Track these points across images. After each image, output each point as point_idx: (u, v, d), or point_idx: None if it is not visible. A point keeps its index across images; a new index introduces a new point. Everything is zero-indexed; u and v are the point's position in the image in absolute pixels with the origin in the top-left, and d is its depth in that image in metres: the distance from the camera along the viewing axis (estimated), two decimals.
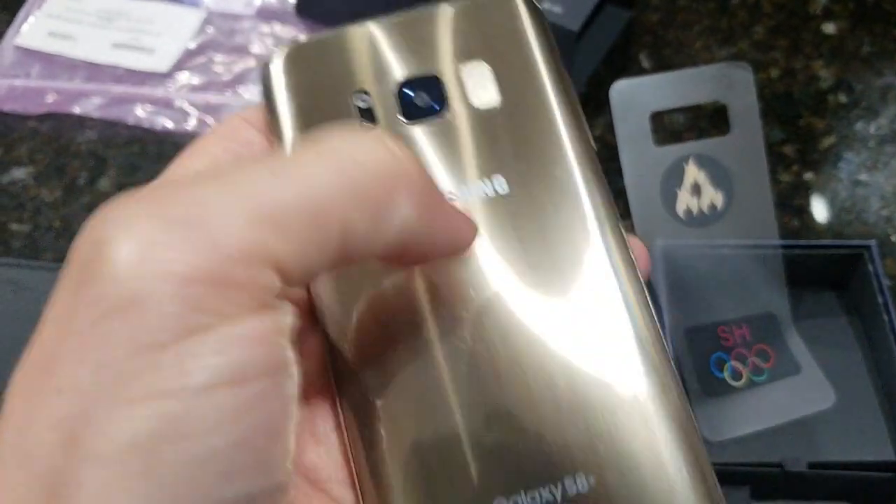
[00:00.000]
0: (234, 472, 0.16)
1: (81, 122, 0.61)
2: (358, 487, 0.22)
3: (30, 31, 0.66)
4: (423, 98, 0.25)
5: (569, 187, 0.24)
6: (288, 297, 0.18)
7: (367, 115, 0.24)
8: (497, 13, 0.25)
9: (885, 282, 0.46)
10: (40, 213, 0.56)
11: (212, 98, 0.62)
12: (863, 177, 0.56)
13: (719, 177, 0.47)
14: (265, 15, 0.66)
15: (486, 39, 0.25)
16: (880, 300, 0.46)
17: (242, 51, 0.65)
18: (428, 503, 0.21)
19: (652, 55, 0.63)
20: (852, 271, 0.49)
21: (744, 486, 0.42)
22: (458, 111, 0.25)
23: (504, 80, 0.25)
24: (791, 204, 0.55)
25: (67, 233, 0.55)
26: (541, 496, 0.21)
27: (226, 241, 0.16)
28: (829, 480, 0.42)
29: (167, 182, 0.21)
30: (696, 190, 0.47)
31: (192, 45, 0.64)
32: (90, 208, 0.56)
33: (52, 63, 0.64)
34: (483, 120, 0.24)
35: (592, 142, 0.25)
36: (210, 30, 0.66)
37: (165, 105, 0.61)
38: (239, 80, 0.63)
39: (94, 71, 0.63)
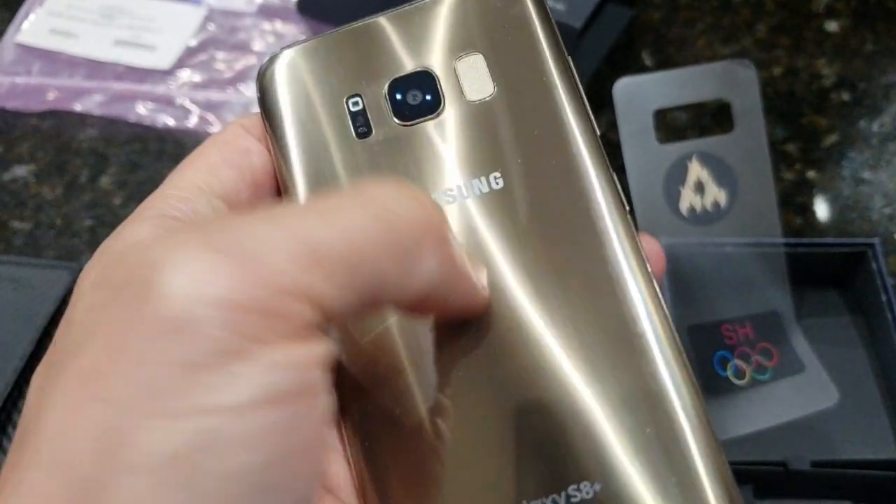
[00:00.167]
0: (268, 487, 0.17)
1: (82, 119, 0.61)
2: (361, 498, 0.22)
3: (31, 28, 0.65)
4: (419, 96, 0.24)
5: (576, 182, 0.23)
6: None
7: (362, 118, 0.24)
8: (498, 2, 0.25)
9: (889, 280, 0.46)
10: (41, 211, 0.56)
11: (213, 95, 0.62)
12: (866, 175, 0.56)
13: (722, 175, 0.47)
14: (266, 12, 0.66)
15: (488, 30, 0.24)
16: (884, 298, 0.45)
17: (244, 48, 0.64)
18: None
19: (654, 53, 0.63)
20: (856, 269, 0.48)
21: (747, 485, 0.42)
22: (457, 107, 0.24)
23: (506, 72, 0.24)
24: (794, 202, 0.55)
25: (68, 230, 0.55)
26: None
27: (273, 275, 0.17)
28: (833, 479, 0.42)
29: (226, 215, 0.23)
30: (700, 188, 0.46)
31: (194, 43, 0.64)
32: (91, 206, 0.56)
33: (53, 60, 0.64)
34: (484, 114, 0.24)
35: (598, 131, 0.24)
36: (211, 27, 0.65)
37: (167, 102, 0.61)
38: (240, 77, 0.63)
39: (96, 68, 0.63)
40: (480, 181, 0.23)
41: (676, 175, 0.46)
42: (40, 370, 0.20)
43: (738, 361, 0.46)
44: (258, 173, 0.24)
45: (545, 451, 0.21)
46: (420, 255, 0.19)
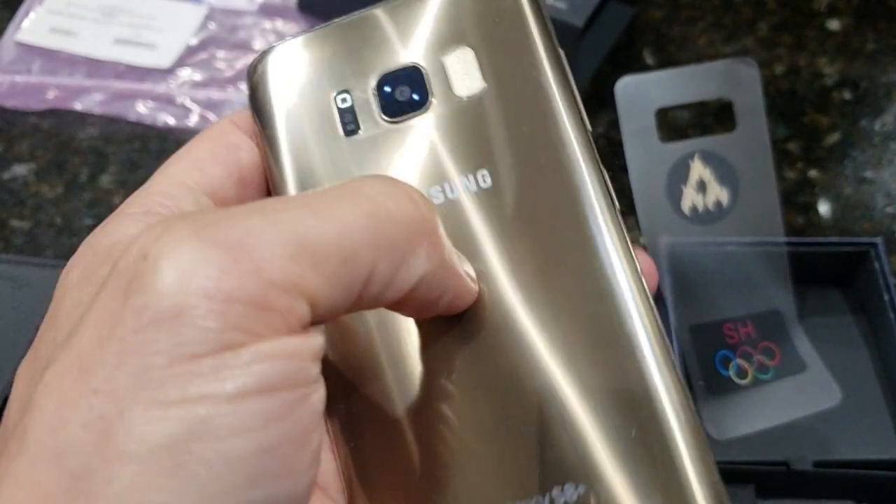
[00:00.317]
0: (261, 475, 0.17)
1: (82, 118, 0.61)
2: (348, 497, 0.22)
3: (31, 26, 0.65)
4: (407, 92, 0.24)
5: (566, 180, 0.23)
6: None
7: (350, 115, 0.24)
8: None
9: (892, 279, 0.46)
10: (41, 210, 0.56)
11: (213, 94, 0.61)
12: (868, 174, 0.56)
13: (725, 174, 0.46)
14: (267, 11, 0.66)
15: (479, 24, 0.24)
16: (886, 297, 0.45)
17: (244, 47, 0.64)
18: None
19: (656, 51, 0.63)
20: (858, 268, 0.48)
21: (749, 485, 0.42)
22: (446, 103, 0.24)
23: (497, 67, 0.24)
24: (796, 201, 0.55)
25: (68, 229, 0.55)
26: None
27: (267, 268, 0.17)
28: (835, 479, 0.42)
29: (216, 209, 0.22)
30: (702, 187, 0.46)
31: (194, 42, 0.64)
32: (91, 205, 0.56)
33: (53, 59, 0.64)
34: (474, 110, 0.23)
35: (590, 129, 0.23)
36: (212, 26, 0.65)
37: (167, 101, 0.61)
38: (241, 76, 0.62)
39: (96, 67, 0.63)
40: (468, 178, 0.23)
41: (678, 174, 0.46)
42: (26, 363, 0.20)
43: (740, 361, 0.46)
44: (246, 170, 0.24)
45: (530, 451, 0.21)
46: (411, 251, 0.19)
